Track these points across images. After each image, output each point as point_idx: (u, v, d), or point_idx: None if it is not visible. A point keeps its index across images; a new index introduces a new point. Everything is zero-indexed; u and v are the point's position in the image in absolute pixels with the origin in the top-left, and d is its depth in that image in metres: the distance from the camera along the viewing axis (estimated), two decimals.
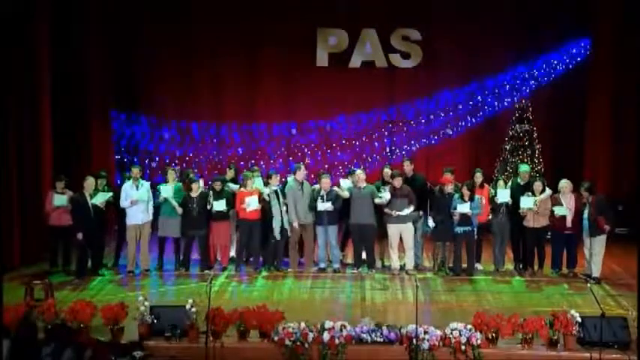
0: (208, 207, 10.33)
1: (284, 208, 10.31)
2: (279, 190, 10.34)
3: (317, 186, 10.62)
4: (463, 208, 9.94)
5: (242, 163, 14.10)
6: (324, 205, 10.23)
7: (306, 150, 14.57)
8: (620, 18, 13.25)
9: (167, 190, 10.41)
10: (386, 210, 10.18)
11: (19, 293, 8.49)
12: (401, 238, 10.33)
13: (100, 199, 10.09)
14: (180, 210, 10.34)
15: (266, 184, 10.57)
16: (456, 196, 10.08)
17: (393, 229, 10.28)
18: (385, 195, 10.15)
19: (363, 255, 10.57)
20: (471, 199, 10.00)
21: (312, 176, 11.27)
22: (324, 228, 10.37)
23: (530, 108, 13.35)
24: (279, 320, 7.56)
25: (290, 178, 10.70)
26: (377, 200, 10.23)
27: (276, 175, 10.53)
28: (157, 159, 14.41)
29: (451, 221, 10.10)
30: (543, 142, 13.46)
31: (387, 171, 10.97)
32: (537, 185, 10.23)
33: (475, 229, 10.20)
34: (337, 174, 13.01)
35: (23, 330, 6.55)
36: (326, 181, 10.35)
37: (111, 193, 10.29)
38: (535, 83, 14.31)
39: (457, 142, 14.53)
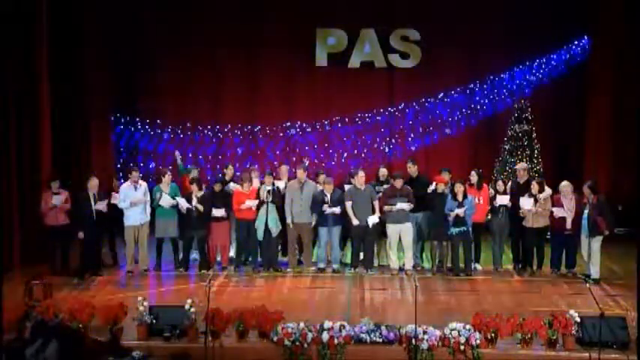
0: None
1: (271, 209, 10.31)
2: (270, 191, 10.34)
3: (319, 187, 10.65)
4: (459, 210, 9.95)
5: (238, 163, 14.07)
6: (331, 209, 10.23)
7: (306, 148, 14.56)
8: (620, 18, 13.25)
9: (166, 200, 10.40)
10: (385, 208, 10.19)
11: (18, 293, 8.51)
12: (400, 239, 10.34)
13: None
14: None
15: (262, 183, 10.59)
16: (449, 197, 10.11)
17: (392, 229, 10.29)
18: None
19: (361, 255, 10.58)
20: (465, 198, 10.02)
21: (312, 176, 11.26)
22: (329, 229, 10.37)
23: (530, 108, 13.34)
24: (279, 320, 7.56)
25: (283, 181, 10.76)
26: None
27: (270, 176, 10.52)
28: (159, 160, 14.39)
29: (446, 222, 10.11)
30: (543, 142, 13.45)
31: (383, 171, 11.00)
32: (534, 186, 10.23)
33: (470, 229, 10.21)
34: (335, 174, 12.98)
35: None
36: (329, 186, 10.35)
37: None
38: (535, 83, 14.30)
39: (456, 142, 14.52)
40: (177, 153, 12.09)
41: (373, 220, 10.19)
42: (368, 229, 10.28)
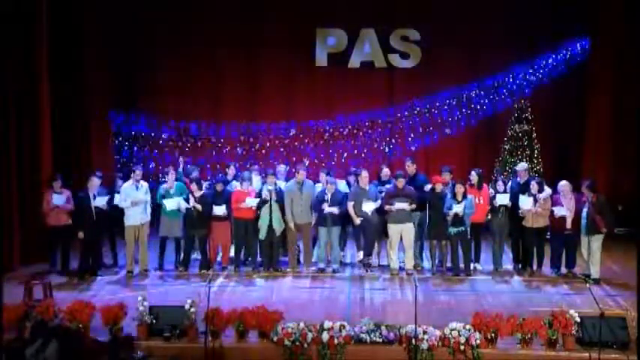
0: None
1: (275, 208, 10.30)
2: (272, 191, 10.34)
3: (319, 185, 10.65)
4: (457, 208, 9.97)
5: (238, 163, 14.04)
6: (329, 209, 10.23)
7: (307, 148, 14.54)
8: (620, 18, 13.24)
9: (172, 203, 10.38)
10: (386, 207, 10.20)
11: (18, 293, 8.51)
12: (401, 238, 10.34)
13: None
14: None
15: (264, 183, 10.59)
16: (449, 196, 10.11)
17: (393, 229, 10.28)
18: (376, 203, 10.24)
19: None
20: (464, 198, 10.03)
21: (312, 177, 11.27)
22: (328, 229, 10.36)
23: (530, 108, 13.34)
24: (278, 320, 7.58)
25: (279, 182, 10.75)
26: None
27: (272, 176, 10.52)
28: (159, 160, 14.38)
29: (445, 221, 10.12)
30: (543, 142, 13.45)
31: (386, 170, 11.02)
32: (534, 186, 10.24)
33: (468, 229, 10.22)
34: (335, 174, 12.97)
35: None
36: (331, 186, 10.34)
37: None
38: (535, 83, 14.29)
39: (456, 142, 14.51)
40: (181, 159, 12.05)
41: (369, 207, 10.16)
42: (370, 222, 10.24)
